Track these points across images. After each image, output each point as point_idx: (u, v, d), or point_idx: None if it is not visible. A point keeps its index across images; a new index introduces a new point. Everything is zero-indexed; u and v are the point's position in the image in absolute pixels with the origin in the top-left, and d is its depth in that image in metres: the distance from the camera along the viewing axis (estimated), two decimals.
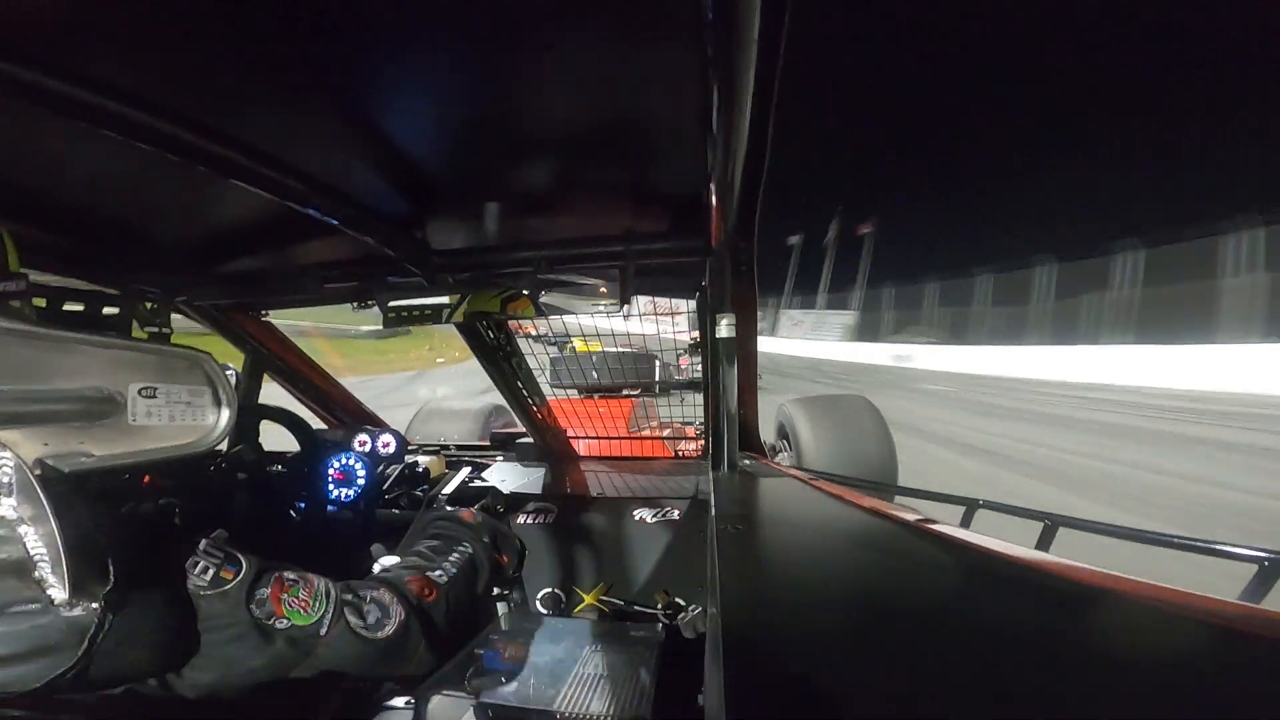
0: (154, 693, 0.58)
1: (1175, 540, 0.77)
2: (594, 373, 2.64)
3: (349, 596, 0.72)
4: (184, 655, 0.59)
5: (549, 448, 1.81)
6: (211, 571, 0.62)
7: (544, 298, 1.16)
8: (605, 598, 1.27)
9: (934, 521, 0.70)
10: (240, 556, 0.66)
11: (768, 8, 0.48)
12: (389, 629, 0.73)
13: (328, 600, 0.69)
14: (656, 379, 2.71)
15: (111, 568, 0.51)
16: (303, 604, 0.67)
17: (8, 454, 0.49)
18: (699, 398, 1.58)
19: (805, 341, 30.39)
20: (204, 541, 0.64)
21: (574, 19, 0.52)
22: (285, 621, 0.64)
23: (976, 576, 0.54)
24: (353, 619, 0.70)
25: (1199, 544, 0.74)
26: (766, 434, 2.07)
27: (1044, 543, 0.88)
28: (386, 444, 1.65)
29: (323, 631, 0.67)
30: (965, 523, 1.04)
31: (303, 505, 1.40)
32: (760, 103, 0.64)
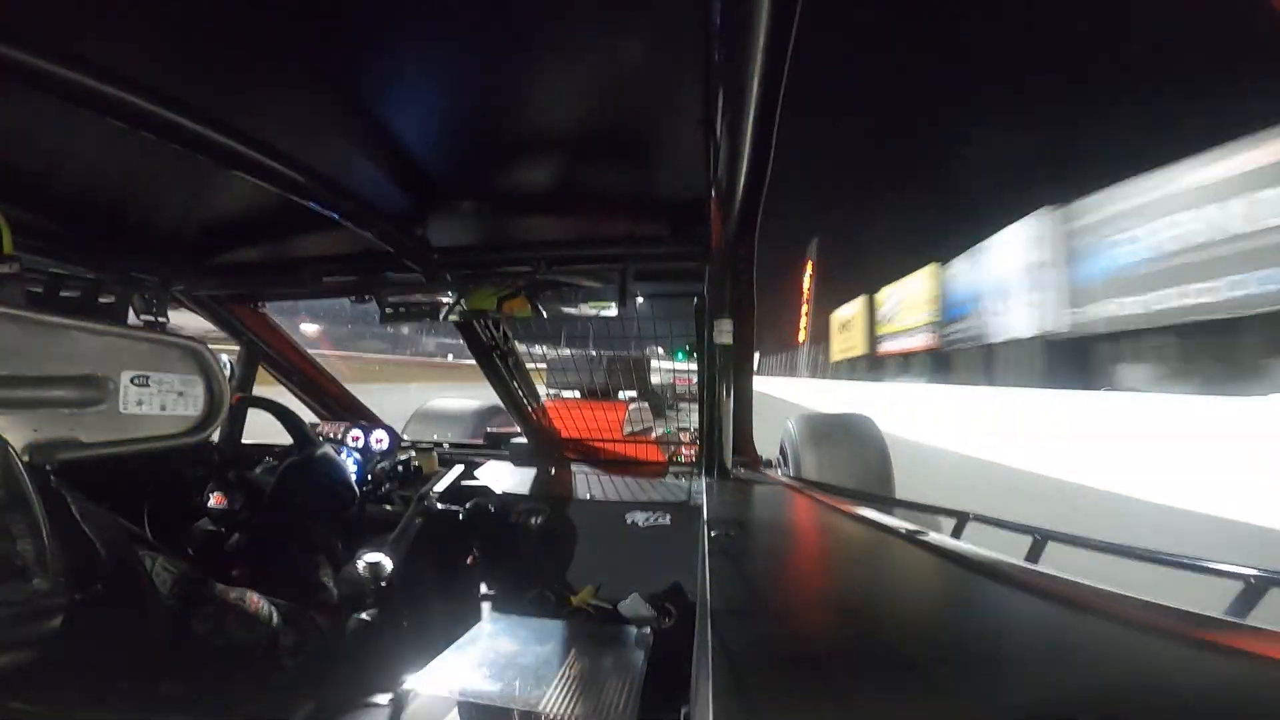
0: (135, 683, 0.57)
1: (1164, 557, 0.77)
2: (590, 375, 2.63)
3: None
4: (167, 646, 0.58)
5: (543, 448, 1.80)
6: None
7: (541, 299, 1.16)
8: (594, 600, 1.26)
9: (924, 532, 0.70)
10: None
11: (775, 15, 0.48)
12: None
13: None
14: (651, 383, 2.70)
15: (96, 558, 0.51)
16: None
17: None
18: (694, 403, 1.58)
19: None
20: None
21: (582, 21, 0.52)
22: None
23: (967, 587, 0.54)
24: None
25: (1188, 561, 0.74)
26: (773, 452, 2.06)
27: (1033, 556, 0.88)
28: (380, 440, 1.65)
29: None
30: (956, 535, 1.04)
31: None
32: (764, 110, 0.64)
